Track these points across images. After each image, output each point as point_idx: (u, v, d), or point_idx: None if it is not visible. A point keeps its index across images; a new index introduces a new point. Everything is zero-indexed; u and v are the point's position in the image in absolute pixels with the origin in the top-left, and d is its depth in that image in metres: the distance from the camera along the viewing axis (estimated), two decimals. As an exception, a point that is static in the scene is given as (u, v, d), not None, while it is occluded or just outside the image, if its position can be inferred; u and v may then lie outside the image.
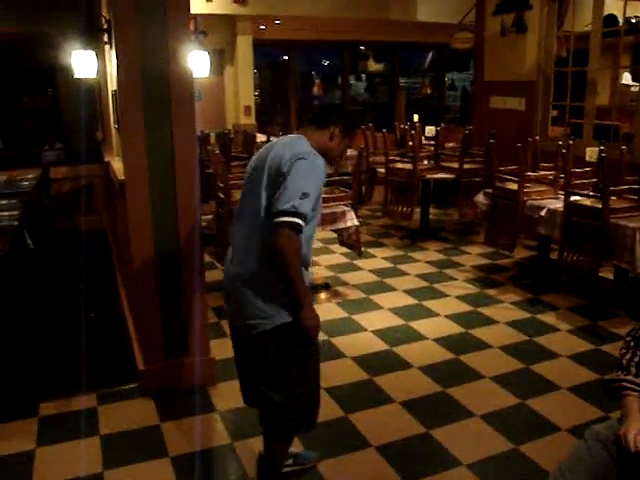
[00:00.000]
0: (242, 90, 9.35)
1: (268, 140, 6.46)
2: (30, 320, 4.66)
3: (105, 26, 4.22)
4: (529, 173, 5.54)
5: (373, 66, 14.23)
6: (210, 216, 6.07)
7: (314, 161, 2.36)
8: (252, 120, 9.43)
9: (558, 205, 4.99)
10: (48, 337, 4.56)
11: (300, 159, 2.32)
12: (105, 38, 4.35)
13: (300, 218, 2.25)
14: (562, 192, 5.03)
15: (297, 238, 2.27)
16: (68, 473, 2.99)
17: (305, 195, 2.25)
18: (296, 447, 2.86)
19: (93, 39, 4.99)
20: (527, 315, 4.84)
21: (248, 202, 2.49)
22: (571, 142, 5.34)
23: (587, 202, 4.75)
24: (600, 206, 4.52)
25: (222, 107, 9.51)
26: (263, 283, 2.40)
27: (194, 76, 3.56)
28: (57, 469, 3.03)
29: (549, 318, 4.77)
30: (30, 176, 6.51)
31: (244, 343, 2.57)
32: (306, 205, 2.26)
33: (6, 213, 4.90)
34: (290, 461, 2.86)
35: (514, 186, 5.33)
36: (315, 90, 12.49)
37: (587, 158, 5.32)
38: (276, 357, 2.45)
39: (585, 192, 4.86)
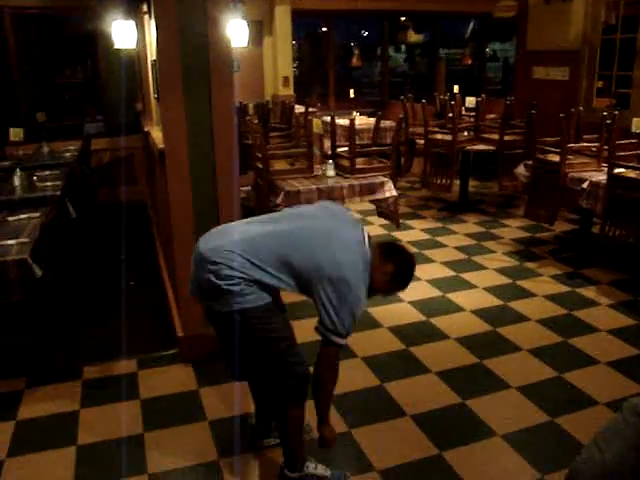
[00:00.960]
0: (280, 61, 9.30)
1: (307, 111, 6.43)
2: (73, 287, 4.78)
3: (145, -4, 4.24)
4: (571, 144, 5.42)
5: (413, 37, 13.99)
6: (249, 187, 6.10)
7: (358, 288, 2.35)
8: (290, 91, 9.38)
9: (601, 177, 4.88)
10: (91, 304, 4.68)
11: (351, 281, 2.32)
12: (145, 8, 4.37)
13: (346, 338, 2.39)
14: (605, 164, 4.91)
15: (337, 355, 2.43)
16: (110, 433, 3.10)
17: (354, 321, 2.36)
18: (324, 469, 2.73)
19: (132, 9, 5.01)
20: (566, 289, 4.77)
21: (302, 229, 2.45)
22: (616, 113, 5.20)
23: (632, 174, 4.63)
24: (645, 178, 4.40)
25: (260, 78, 9.47)
26: (237, 286, 2.34)
27: (233, 46, 3.56)
28: (100, 429, 3.14)
29: (589, 292, 4.70)
30: (72, 148, 6.63)
31: (217, 319, 2.51)
32: (352, 326, 2.38)
33: (49, 183, 5.01)
34: None
35: (556, 158, 5.22)
36: (354, 61, 12.36)
37: (633, 129, 5.16)
38: (247, 332, 2.44)
39: (630, 164, 4.73)
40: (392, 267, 2.49)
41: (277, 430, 2.73)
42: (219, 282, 2.32)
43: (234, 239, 2.40)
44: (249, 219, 2.60)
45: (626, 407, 2.11)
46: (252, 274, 2.32)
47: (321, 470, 2.68)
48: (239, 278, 2.31)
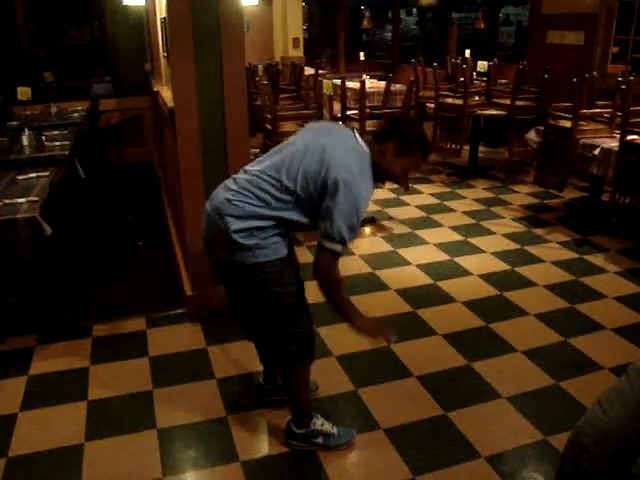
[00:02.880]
0: (290, 22, 9.18)
1: (316, 73, 6.36)
2: (83, 247, 4.81)
3: (154, -49, 4.17)
4: (584, 110, 5.35)
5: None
6: (257, 149, 6.08)
7: (359, 187, 2.28)
8: (300, 52, 9.28)
9: (613, 144, 4.83)
10: (99, 263, 4.72)
11: (347, 184, 2.25)
12: (154, -36, 4.31)
13: (344, 245, 2.30)
14: (618, 131, 4.85)
15: (336, 264, 2.34)
16: (120, 389, 3.15)
17: (352, 228, 2.29)
18: (330, 426, 2.74)
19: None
20: (574, 255, 4.77)
21: (294, 152, 2.39)
22: (632, 78, 5.12)
23: (645, 141, 4.58)
24: (658, 145, 4.36)
25: (270, 39, 9.36)
26: (251, 239, 2.35)
27: (243, 4, 3.51)
28: (109, 385, 3.19)
29: (597, 259, 4.69)
30: (80, 108, 6.61)
31: (226, 273, 2.53)
32: (352, 234, 2.31)
33: (58, 143, 5.01)
34: (320, 440, 2.72)
35: (567, 123, 5.16)
36: (364, 24, 12.18)
37: (648, 95, 5.09)
38: (256, 288, 2.44)
39: (643, 131, 4.68)
40: (393, 144, 2.40)
41: (283, 388, 2.76)
42: (233, 236, 2.32)
43: (235, 188, 2.40)
44: (248, 165, 2.54)
45: (630, 369, 2.13)
46: (259, 213, 2.32)
47: (327, 427, 2.72)
48: (249, 229, 2.32)
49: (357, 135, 2.46)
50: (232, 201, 2.35)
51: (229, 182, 2.47)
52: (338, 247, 2.28)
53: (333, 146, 2.35)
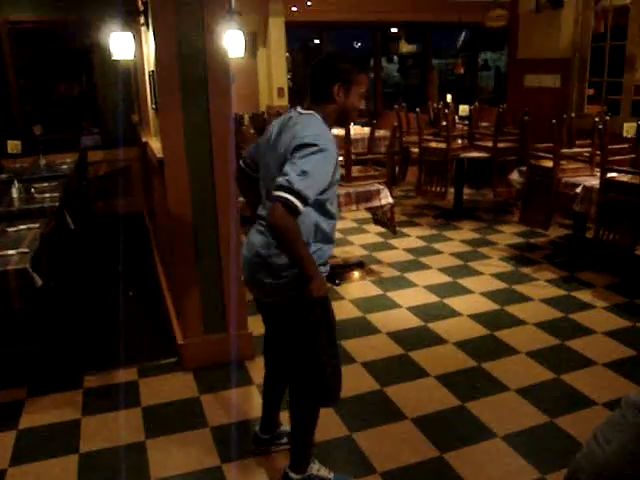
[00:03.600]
0: (275, 72, 9.38)
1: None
2: (73, 297, 4.80)
3: (142, 8, 4.29)
4: (564, 150, 5.48)
5: (405, 47, 14.12)
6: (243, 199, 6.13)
7: (322, 148, 2.22)
8: (285, 101, 9.46)
9: (594, 182, 4.94)
10: (90, 314, 4.70)
11: (307, 146, 2.22)
12: (142, 20, 4.42)
13: (295, 196, 2.13)
14: (598, 169, 4.97)
15: (290, 215, 2.14)
16: (112, 441, 3.11)
17: (304, 173, 2.16)
18: (327, 471, 2.74)
19: (130, 22, 5.07)
20: (562, 292, 4.81)
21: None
22: (608, 118, 5.27)
23: (624, 178, 4.69)
24: (638, 182, 4.46)
25: (255, 89, 9.55)
26: (270, 261, 2.40)
27: (230, 56, 3.61)
28: (102, 437, 3.15)
29: (585, 295, 4.74)
30: (68, 160, 6.67)
31: (264, 310, 2.65)
32: (305, 183, 2.15)
33: (47, 195, 5.05)
34: None
35: (549, 163, 5.28)
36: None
37: (624, 134, 5.23)
38: (290, 324, 2.50)
39: (623, 168, 4.79)
40: (337, 87, 2.36)
41: (290, 427, 2.70)
42: (273, 280, 2.40)
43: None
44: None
45: (625, 403, 2.14)
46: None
47: (324, 472, 2.70)
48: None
49: (297, 110, 2.44)
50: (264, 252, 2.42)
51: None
52: (288, 196, 2.12)
53: (284, 139, 2.35)
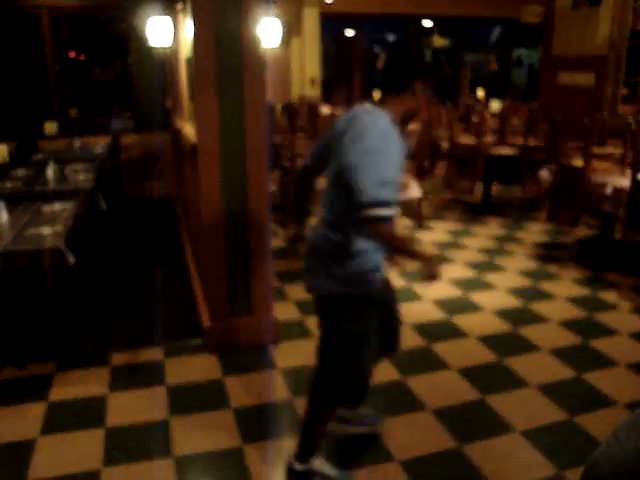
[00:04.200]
0: (308, 62, 9.40)
1: (332, 113, 6.51)
2: (104, 277, 4.91)
3: (180, -5, 4.35)
4: (595, 149, 5.44)
5: (438, 41, 14.02)
6: (274, 187, 6.19)
7: (385, 151, 2.24)
8: (317, 92, 9.49)
9: (624, 183, 4.90)
10: (119, 294, 4.81)
11: (355, 142, 2.25)
12: (180, 6, 4.48)
13: (383, 205, 2.15)
14: (629, 169, 4.93)
15: (388, 227, 2.17)
16: (137, 417, 3.20)
17: (382, 184, 2.16)
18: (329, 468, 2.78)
19: (167, 7, 5.13)
20: (587, 292, 4.80)
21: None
22: (642, 119, 5.22)
23: (656, 180, 4.65)
24: (669, 184, 4.43)
25: (288, 79, 9.58)
26: (330, 254, 2.44)
27: (265, 45, 3.65)
28: (127, 413, 3.24)
29: (610, 296, 4.72)
30: (102, 142, 6.79)
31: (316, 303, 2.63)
32: (384, 189, 2.16)
33: (81, 176, 5.16)
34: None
35: (579, 162, 5.25)
36: (379, 64, 12.42)
37: (658, 135, 5.18)
38: (332, 322, 2.52)
39: (654, 170, 4.75)
40: (418, 85, 2.40)
41: (304, 415, 2.72)
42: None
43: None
44: None
45: (645, 402, 2.16)
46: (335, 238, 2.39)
47: (326, 468, 2.72)
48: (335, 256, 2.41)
49: (365, 107, 2.42)
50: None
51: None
52: (377, 211, 2.14)
53: (348, 140, 2.31)
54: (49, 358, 3.75)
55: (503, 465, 2.84)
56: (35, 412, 3.23)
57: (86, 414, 3.23)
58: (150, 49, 6.62)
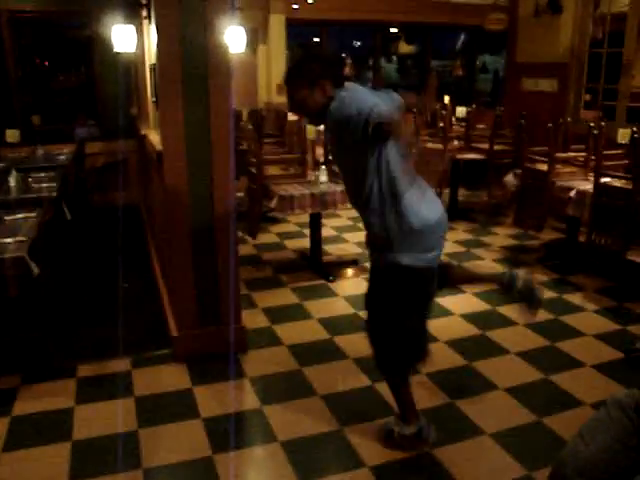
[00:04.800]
0: (274, 69, 9.40)
1: (300, 119, 6.49)
2: (69, 287, 4.82)
3: (145, 1, 4.31)
4: (559, 154, 5.53)
5: (404, 48, 14.14)
6: (241, 193, 6.16)
7: (366, 95, 2.57)
8: (284, 99, 9.46)
9: (588, 186, 4.99)
10: (85, 304, 4.73)
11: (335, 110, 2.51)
12: (144, 13, 4.45)
13: (379, 115, 2.35)
14: (592, 174, 5.02)
15: (396, 123, 2.38)
16: (105, 429, 3.14)
17: (375, 105, 2.41)
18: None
19: (132, 14, 5.09)
20: (554, 295, 4.86)
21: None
22: (603, 124, 5.32)
23: (618, 183, 4.74)
24: (631, 187, 4.51)
25: (254, 85, 9.56)
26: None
27: (230, 51, 3.64)
28: (95, 425, 3.17)
29: (575, 298, 4.79)
30: (66, 151, 6.68)
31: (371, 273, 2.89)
32: (380, 108, 2.39)
33: (45, 185, 5.06)
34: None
35: (544, 167, 5.33)
36: (346, 70, 12.48)
37: (619, 140, 5.28)
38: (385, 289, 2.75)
39: (616, 173, 4.84)
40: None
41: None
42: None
43: None
44: None
45: (610, 402, 2.19)
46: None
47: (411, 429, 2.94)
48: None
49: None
50: None
51: None
52: (376, 119, 2.34)
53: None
54: (13, 371, 3.66)
55: (473, 468, 2.86)
56: (-2, 427, 3.15)
57: (51, 428, 3.16)
58: (115, 56, 6.55)
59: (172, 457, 2.92)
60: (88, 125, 8.14)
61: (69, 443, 3.03)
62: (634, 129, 5.06)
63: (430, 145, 6.88)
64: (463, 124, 7.49)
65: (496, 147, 6.62)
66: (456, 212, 7.21)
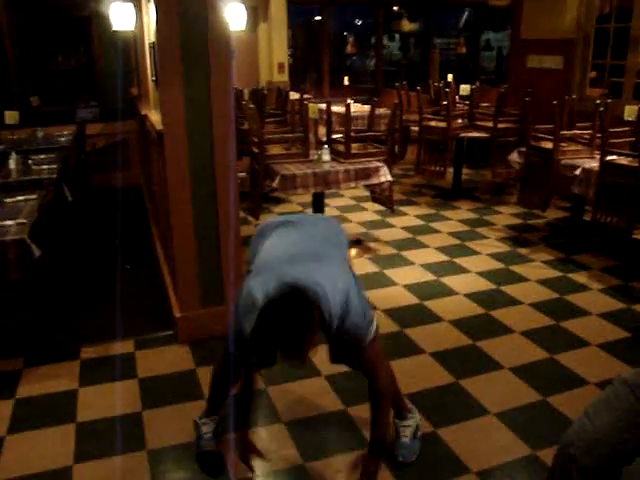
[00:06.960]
0: (276, 47, 9.30)
1: (302, 98, 6.42)
2: (71, 269, 4.81)
3: (142, -22, 4.24)
4: (564, 132, 5.47)
5: (407, 26, 14.02)
6: (244, 173, 6.12)
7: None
8: (285, 77, 9.40)
9: (593, 164, 4.93)
10: (87, 286, 4.71)
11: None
12: (143, -10, 4.38)
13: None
14: (598, 151, 4.96)
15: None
16: (109, 411, 3.14)
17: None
18: None
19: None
20: (558, 274, 4.83)
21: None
22: (609, 101, 5.25)
23: (624, 161, 4.68)
24: (637, 165, 4.46)
25: (255, 64, 9.47)
26: None
27: (231, 29, 3.58)
28: (98, 407, 3.18)
29: (580, 277, 4.76)
30: (66, 132, 6.63)
31: None
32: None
33: (45, 167, 5.03)
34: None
35: (549, 145, 5.27)
36: (348, 48, 12.38)
37: (625, 117, 5.20)
38: None
39: (622, 151, 4.79)
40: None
41: None
42: None
43: None
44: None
45: (617, 380, 2.17)
46: None
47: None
48: None
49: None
50: None
51: None
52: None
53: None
54: (16, 354, 3.66)
55: (478, 447, 2.85)
56: (2, 410, 3.15)
57: (55, 410, 3.16)
58: (114, 35, 6.48)
59: (176, 438, 2.92)
60: (89, 106, 8.07)
61: (73, 425, 3.03)
62: (641, 106, 5.00)
63: (434, 123, 6.81)
64: (467, 102, 7.40)
65: (500, 125, 6.54)
66: (460, 191, 7.17)
